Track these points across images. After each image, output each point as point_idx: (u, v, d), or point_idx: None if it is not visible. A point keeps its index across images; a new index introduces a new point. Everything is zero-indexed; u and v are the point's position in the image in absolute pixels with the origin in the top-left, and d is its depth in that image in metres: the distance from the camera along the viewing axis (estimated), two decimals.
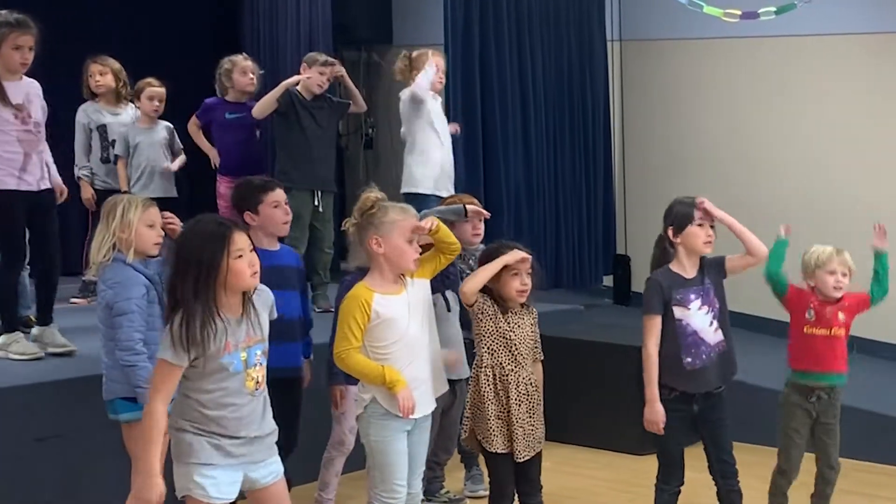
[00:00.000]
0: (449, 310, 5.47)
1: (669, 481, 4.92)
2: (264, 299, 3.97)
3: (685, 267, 4.85)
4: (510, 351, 4.78)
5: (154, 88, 7.55)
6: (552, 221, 8.78)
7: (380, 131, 10.29)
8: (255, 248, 4.78)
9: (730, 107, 8.85)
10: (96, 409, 4.76)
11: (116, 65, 7.59)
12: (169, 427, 3.83)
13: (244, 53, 7.69)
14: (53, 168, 5.97)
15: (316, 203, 7.17)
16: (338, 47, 9.63)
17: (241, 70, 7.47)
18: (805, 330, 5.12)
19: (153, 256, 4.69)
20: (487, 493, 6.00)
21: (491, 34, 8.33)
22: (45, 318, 5.90)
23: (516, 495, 4.92)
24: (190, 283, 3.72)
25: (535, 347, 4.88)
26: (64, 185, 6.07)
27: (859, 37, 8.14)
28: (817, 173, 8.41)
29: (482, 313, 4.77)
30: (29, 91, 5.71)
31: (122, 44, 8.38)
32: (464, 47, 8.08)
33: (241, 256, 3.77)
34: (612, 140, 9.34)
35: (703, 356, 4.82)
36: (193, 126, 7.55)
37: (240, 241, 3.79)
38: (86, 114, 7.56)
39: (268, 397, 3.97)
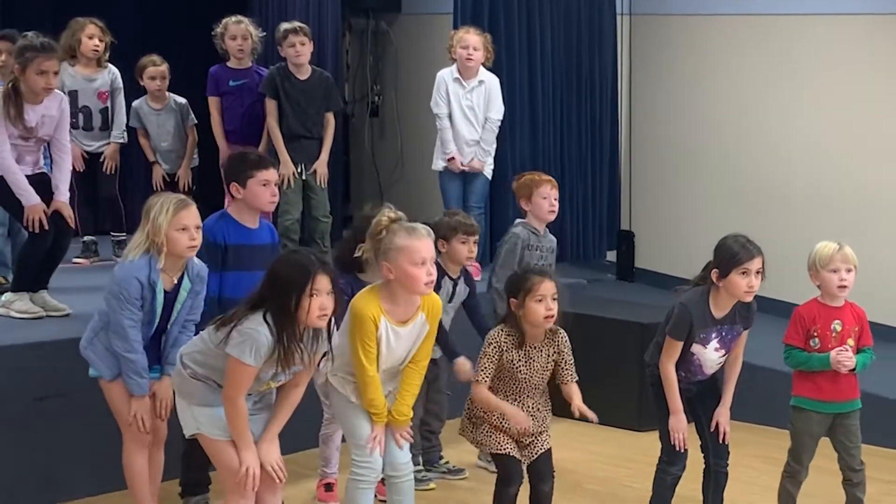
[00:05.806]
0: (450, 301, 5.52)
1: (675, 462, 4.87)
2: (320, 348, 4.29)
3: (720, 306, 4.81)
4: (514, 385, 4.72)
5: (155, 67, 7.41)
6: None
7: (386, 99, 10.26)
8: (236, 224, 5.04)
9: (738, 84, 8.79)
10: None
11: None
12: (180, 374, 4.31)
13: (237, 16, 7.39)
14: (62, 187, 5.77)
15: (300, 170, 7.13)
16: (346, 15, 9.59)
17: (231, 35, 7.26)
18: None
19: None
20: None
21: (500, 4, 8.27)
22: (41, 282, 5.89)
23: (527, 480, 4.85)
24: (275, 303, 4.08)
25: (567, 370, 4.81)
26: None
27: (872, 17, 8.06)
28: (822, 153, 8.34)
29: (490, 343, 4.70)
30: (45, 114, 5.67)
31: (124, 11, 8.24)
32: (472, 18, 8.02)
33: (314, 296, 4.07)
34: (619, 115, 9.29)
35: (698, 377, 4.95)
36: (215, 112, 7.30)
37: (321, 282, 4.08)
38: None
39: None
